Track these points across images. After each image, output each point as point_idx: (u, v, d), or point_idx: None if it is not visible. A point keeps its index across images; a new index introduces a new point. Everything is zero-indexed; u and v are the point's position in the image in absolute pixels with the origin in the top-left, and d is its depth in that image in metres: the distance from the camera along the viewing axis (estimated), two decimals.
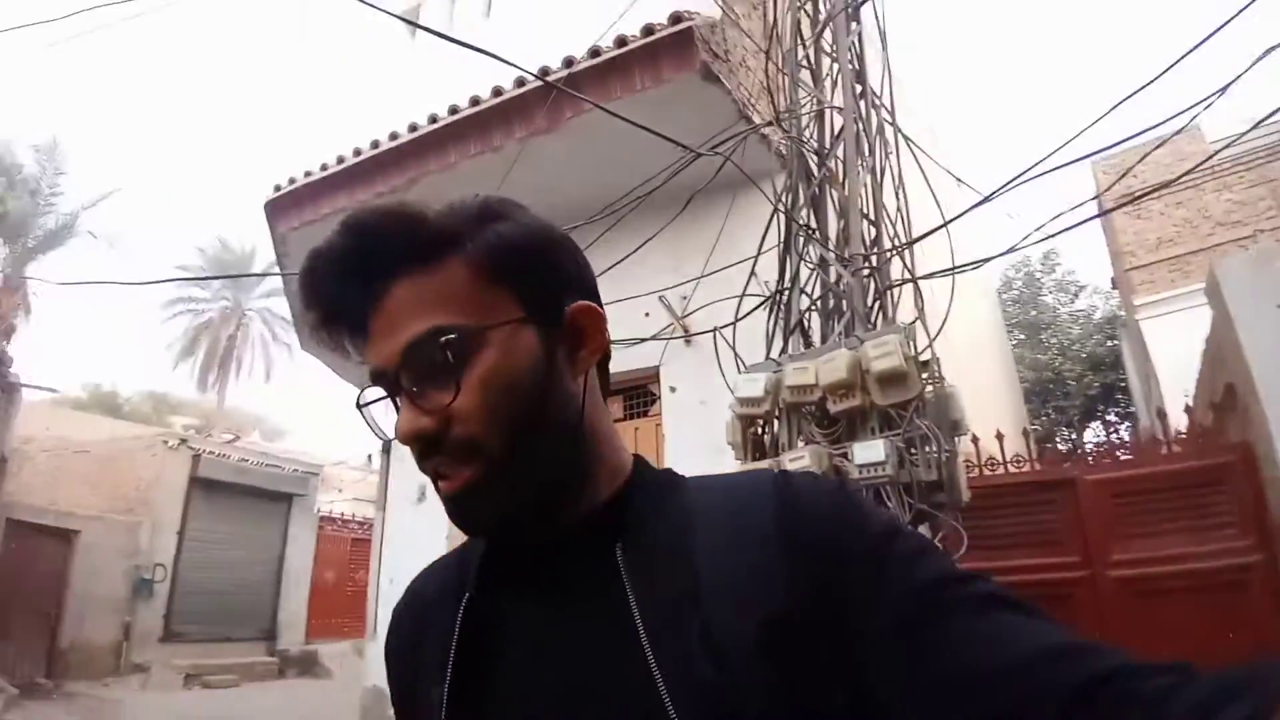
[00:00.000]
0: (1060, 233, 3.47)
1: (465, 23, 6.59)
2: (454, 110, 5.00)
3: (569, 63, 4.85)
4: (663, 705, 0.52)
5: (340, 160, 5.49)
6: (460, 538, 0.71)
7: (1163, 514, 3.32)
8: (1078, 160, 3.37)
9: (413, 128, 5.18)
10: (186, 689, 11.30)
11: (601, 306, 0.68)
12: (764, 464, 2.65)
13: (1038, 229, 3.64)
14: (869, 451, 2.46)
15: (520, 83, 4.85)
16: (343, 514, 16.33)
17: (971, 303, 6.46)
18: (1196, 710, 0.40)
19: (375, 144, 5.31)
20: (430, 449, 0.59)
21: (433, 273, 0.61)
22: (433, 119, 5.09)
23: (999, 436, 3.87)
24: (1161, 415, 3.88)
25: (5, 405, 8.36)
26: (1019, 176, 3.34)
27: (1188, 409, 3.85)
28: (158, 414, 24.45)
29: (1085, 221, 3.74)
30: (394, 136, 5.25)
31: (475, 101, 4.92)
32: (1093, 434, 14.50)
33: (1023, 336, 16.15)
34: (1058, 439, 13.47)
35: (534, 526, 0.64)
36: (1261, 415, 3.02)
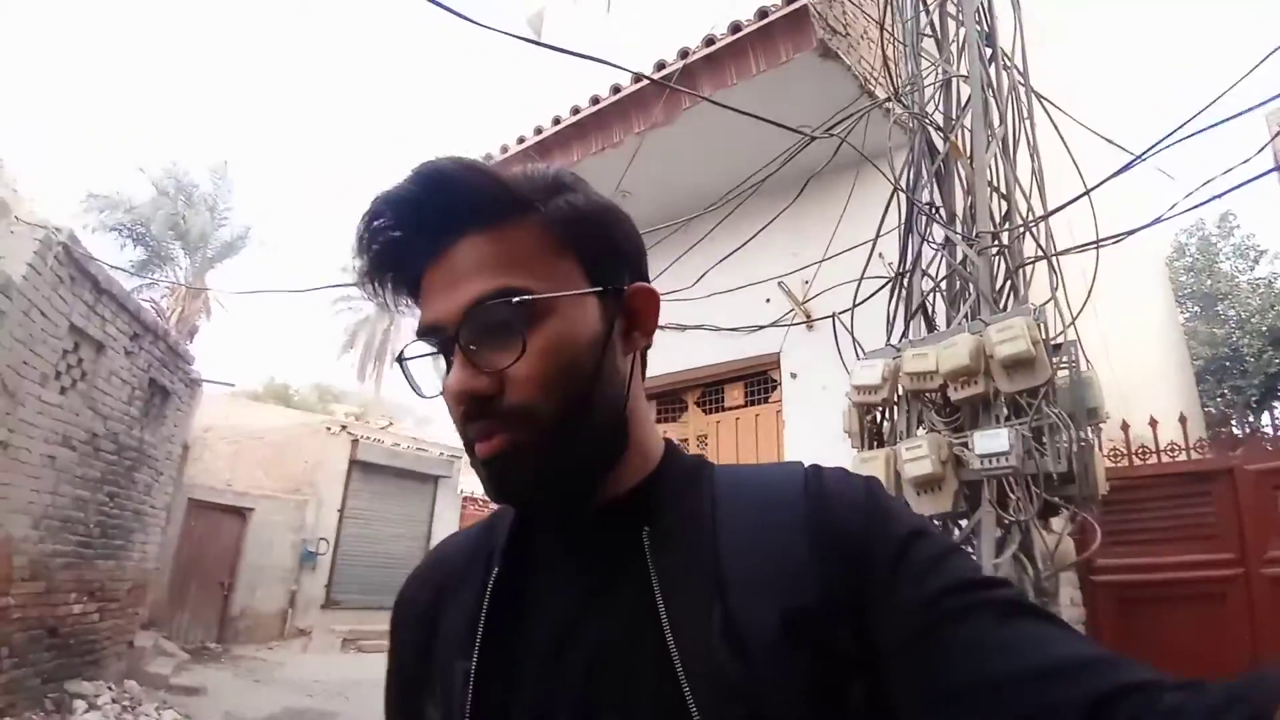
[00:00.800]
0: (1223, 194, 3.12)
1: (588, 19, 6.74)
2: (575, 111, 5.13)
3: (684, 54, 4.86)
4: (681, 694, 0.53)
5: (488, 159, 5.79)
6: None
7: None
8: (1246, 111, 3.03)
9: (538, 130, 5.36)
10: (343, 652, 12.46)
11: (656, 291, 0.68)
12: (881, 453, 2.58)
13: (1198, 189, 3.30)
14: (991, 440, 2.34)
15: (637, 79, 4.91)
16: (483, 495, 17.21)
17: (1134, 275, 5.93)
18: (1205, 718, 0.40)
19: (504, 149, 5.55)
20: (479, 410, 0.59)
21: (503, 233, 0.61)
22: (556, 120, 5.25)
23: (1153, 423, 3.54)
24: None
25: (188, 399, 9.37)
26: (1176, 131, 3.04)
27: None
28: (322, 403, 26.66)
29: (1255, 179, 3.34)
30: (520, 140, 5.46)
31: (595, 100, 5.03)
32: (1271, 417, 13.12)
33: (1197, 309, 14.58)
34: (1233, 423, 12.02)
35: (568, 501, 0.64)
36: None
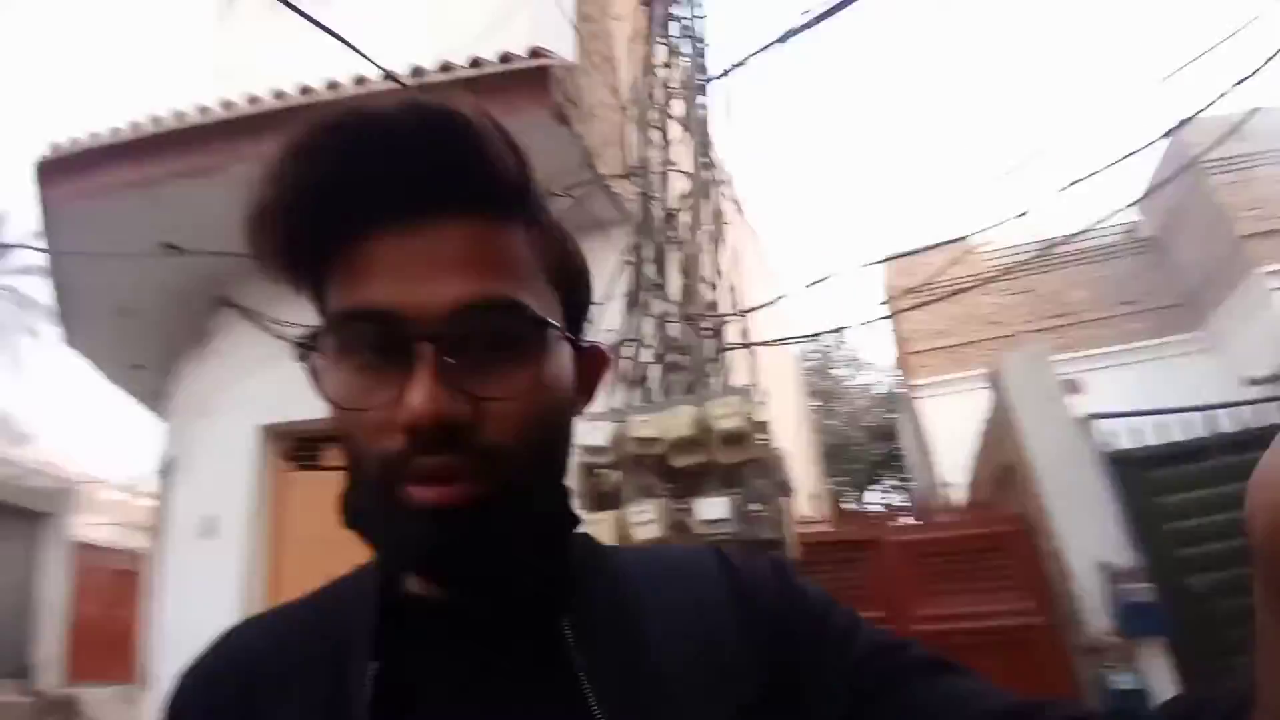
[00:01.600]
0: (867, 323, 3.83)
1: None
2: (279, 95, 4.59)
3: (418, 71, 4.65)
4: None
5: (135, 126, 4.83)
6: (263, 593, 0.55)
7: (958, 575, 3.66)
8: (879, 262, 3.78)
9: (227, 105, 4.68)
10: None
11: (610, 355, 0.60)
12: (609, 515, 2.64)
13: (829, 331, 4.02)
14: (713, 508, 2.53)
15: (360, 81, 4.56)
16: (102, 541, 13.91)
17: (783, 368, 6.91)
18: None
19: (180, 115, 4.73)
20: (442, 443, 0.43)
21: (504, 229, 0.48)
22: (253, 100, 4.63)
23: (811, 497, 4.13)
24: (943, 485, 4.37)
25: None
26: (835, 272, 3.69)
27: (972, 483, 4.38)
28: None
29: (887, 317, 4.20)
30: (204, 110, 4.71)
31: (305, 90, 4.56)
32: (874, 496, 16.85)
33: (819, 403, 17.96)
34: (847, 500, 15.30)
35: (510, 579, 0.50)
36: (1036, 491, 3.49)
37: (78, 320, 6.02)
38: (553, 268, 0.51)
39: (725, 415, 2.70)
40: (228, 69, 5.38)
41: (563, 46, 5.06)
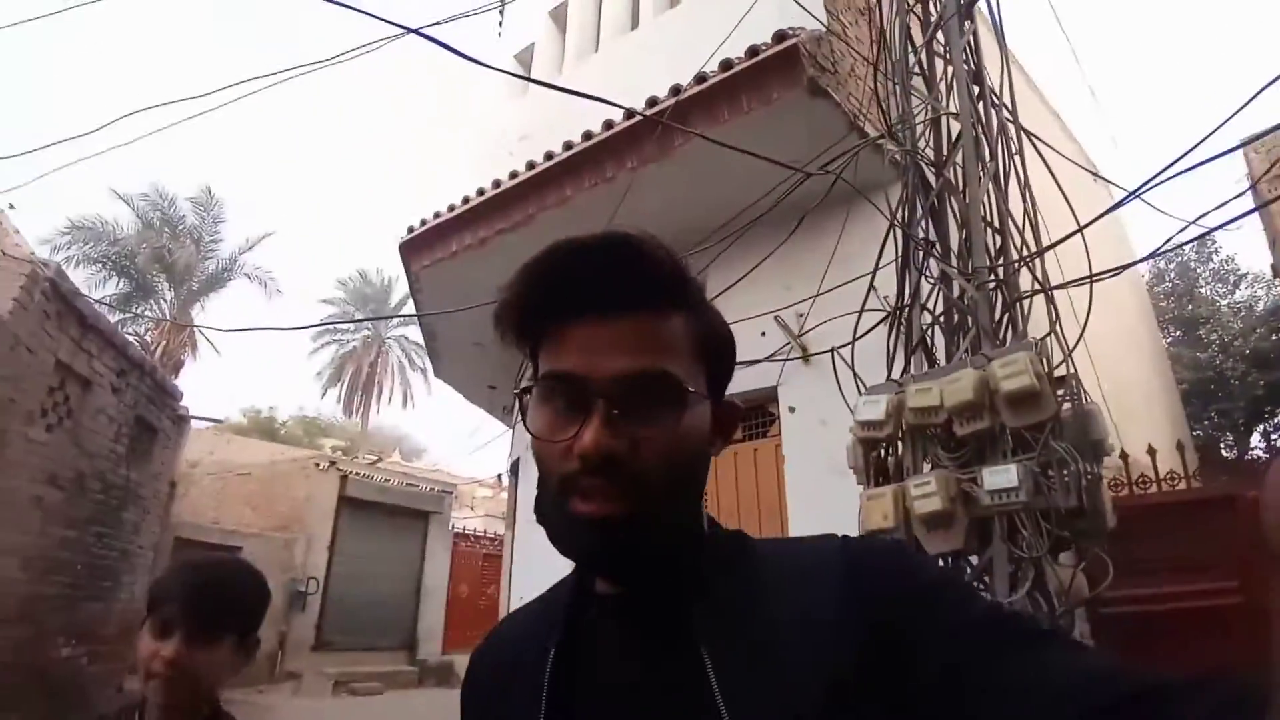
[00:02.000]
0: (1215, 230, 3.20)
1: (574, 59, 6.83)
2: (568, 146, 5.18)
3: (676, 91, 4.93)
4: None
5: (465, 201, 5.81)
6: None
7: None
8: (1230, 151, 3.11)
9: (530, 166, 5.40)
10: (335, 696, 12.16)
11: (740, 408, 0.77)
12: (888, 489, 2.59)
13: (1186, 225, 3.38)
14: (1000, 476, 2.35)
15: (629, 115, 4.97)
16: (475, 530, 17.07)
17: (1118, 303, 6.03)
18: None
19: (497, 184, 5.58)
20: (600, 469, 0.61)
21: (662, 318, 0.66)
22: (549, 156, 5.29)
23: (1151, 452, 3.58)
24: None
25: (175, 435, 9.28)
26: (1165, 170, 3.10)
27: None
28: (309, 437, 26.36)
29: (1243, 216, 3.44)
30: (514, 175, 5.50)
31: (588, 136, 5.08)
32: (1260, 439, 13.32)
33: (1180, 334, 14.78)
34: (1221, 446, 12.11)
35: (649, 575, 0.67)
36: None
37: (444, 356, 7.54)
38: (700, 344, 0.69)
39: (1011, 374, 2.48)
40: (527, 134, 6.17)
41: (816, 14, 4.99)
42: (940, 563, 2.59)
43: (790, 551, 0.70)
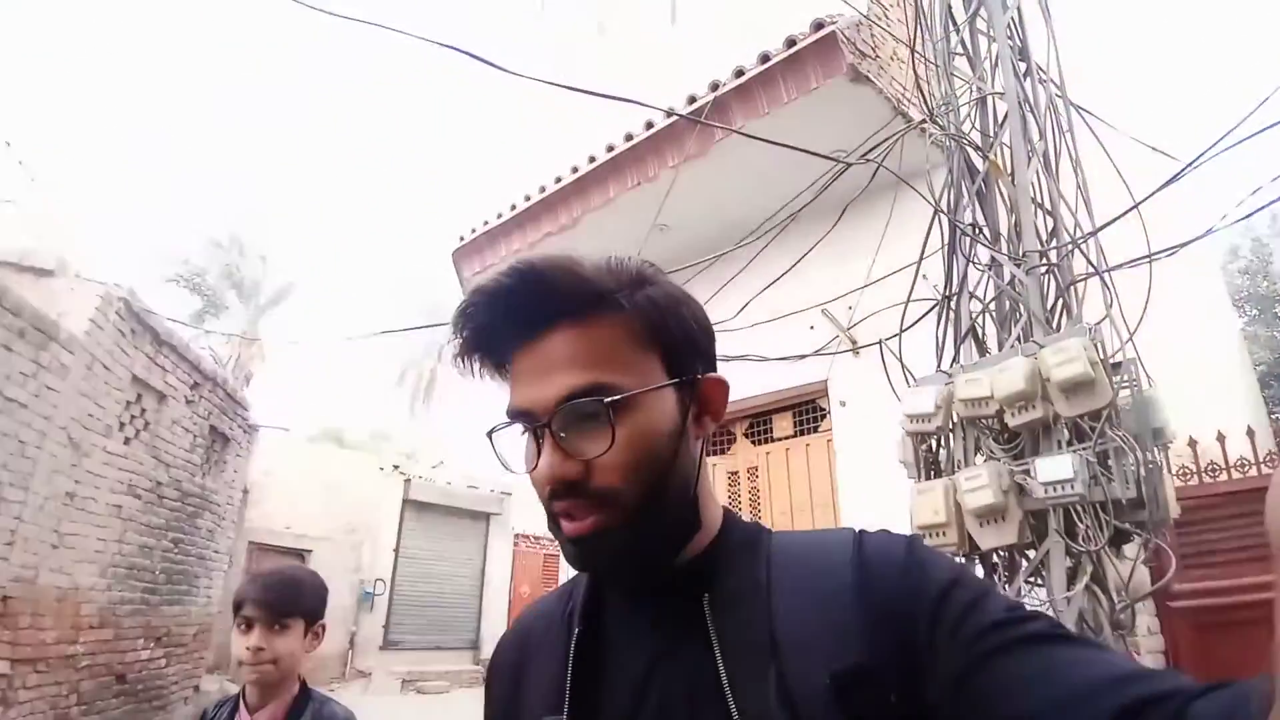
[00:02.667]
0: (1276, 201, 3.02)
1: (614, 56, 6.84)
2: (610, 149, 5.21)
3: (714, 86, 4.90)
4: None
5: (513, 208, 5.89)
6: None
7: None
8: None
9: (574, 169, 5.44)
10: (403, 694, 12.48)
11: (725, 380, 0.73)
12: (938, 483, 2.53)
13: (1251, 195, 3.21)
14: (1055, 467, 2.28)
15: (669, 114, 4.97)
16: (534, 532, 17.26)
17: (1185, 283, 5.75)
18: None
19: (542, 189, 5.64)
20: (565, 492, 0.64)
21: (590, 326, 0.66)
22: (591, 159, 5.32)
23: (1220, 438, 3.40)
24: None
25: (247, 444, 9.62)
26: (1225, 136, 2.95)
27: None
28: (374, 443, 27.03)
29: None
30: (558, 180, 5.55)
31: (629, 137, 5.10)
32: None
33: (1256, 312, 14.01)
34: None
35: (645, 574, 0.69)
36: None
37: None
38: (646, 336, 0.67)
39: (1064, 361, 2.39)
40: (575, 135, 6.22)
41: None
42: (992, 557, 2.52)
43: (804, 545, 0.70)
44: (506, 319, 0.66)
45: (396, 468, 14.79)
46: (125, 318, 6.48)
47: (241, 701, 1.70)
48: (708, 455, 5.24)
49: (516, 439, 0.70)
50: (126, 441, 6.79)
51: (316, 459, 14.82)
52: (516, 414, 0.67)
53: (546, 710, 0.68)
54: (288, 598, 1.73)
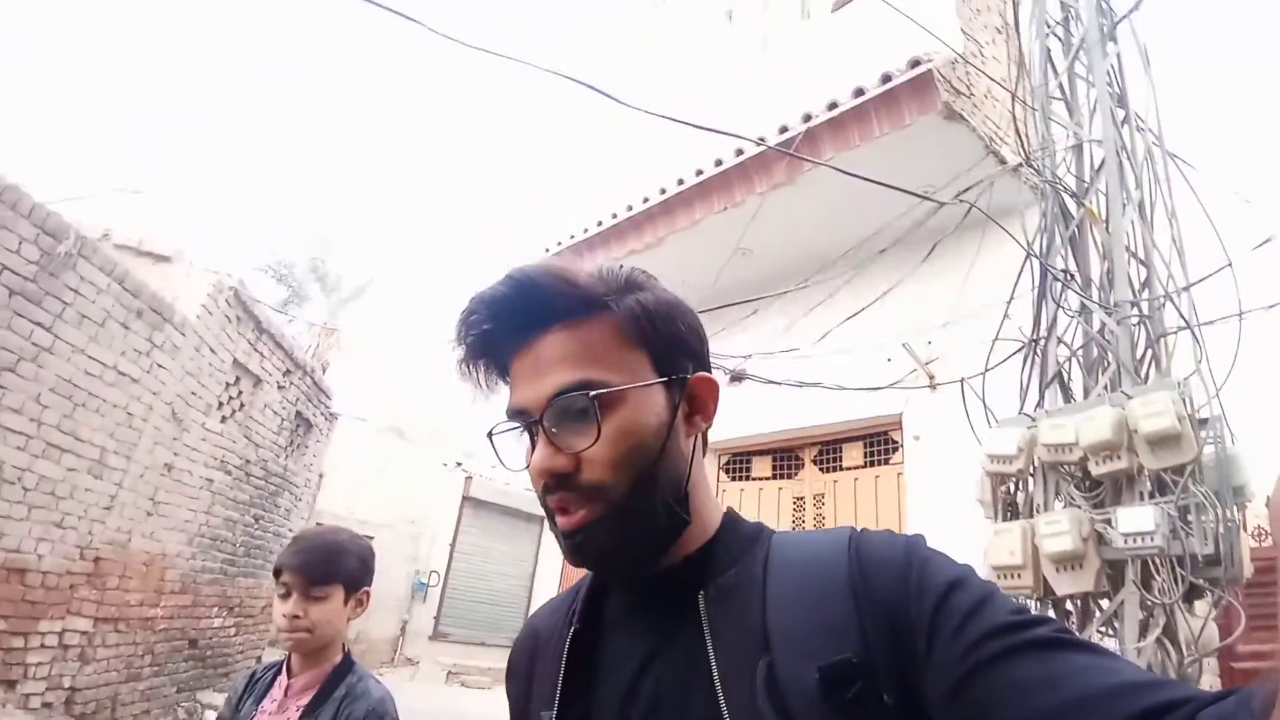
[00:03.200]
0: None
1: (704, 83, 7.00)
2: (699, 173, 5.36)
3: (807, 118, 5.01)
4: None
5: (599, 224, 6.09)
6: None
7: None
8: None
9: (662, 191, 5.61)
10: (448, 684, 12.72)
11: (715, 378, 0.77)
12: (1016, 525, 2.58)
13: None
14: (1136, 519, 2.32)
15: (760, 144, 5.09)
16: None
17: (1275, 339, 5.60)
18: None
19: (629, 208, 5.83)
20: (557, 485, 0.67)
21: (581, 328, 0.69)
22: (680, 182, 5.49)
23: None
24: None
25: (326, 430, 10.04)
26: None
27: None
28: (434, 438, 27.57)
29: None
30: (645, 200, 5.73)
31: (718, 163, 5.24)
32: None
33: None
34: None
35: (636, 566, 0.71)
36: None
37: None
38: (635, 336, 0.70)
39: (1152, 414, 2.44)
40: (664, 156, 6.40)
41: (952, 36, 4.96)
42: (1066, 603, 2.57)
43: (802, 543, 0.70)
44: (504, 323, 0.70)
45: (459, 464, 15.15)
46: (233, 304, 6.91)
47: (285, 666, 1.70)
48: (774, 479, 5.35)
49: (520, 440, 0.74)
50: (223, 420, 7.21)
51: (382, 449, 15.30)
52: (514, 413, 0.70)
53: (544, 707, 0.71)
54: (326, 565, 1.69)
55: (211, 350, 6.71)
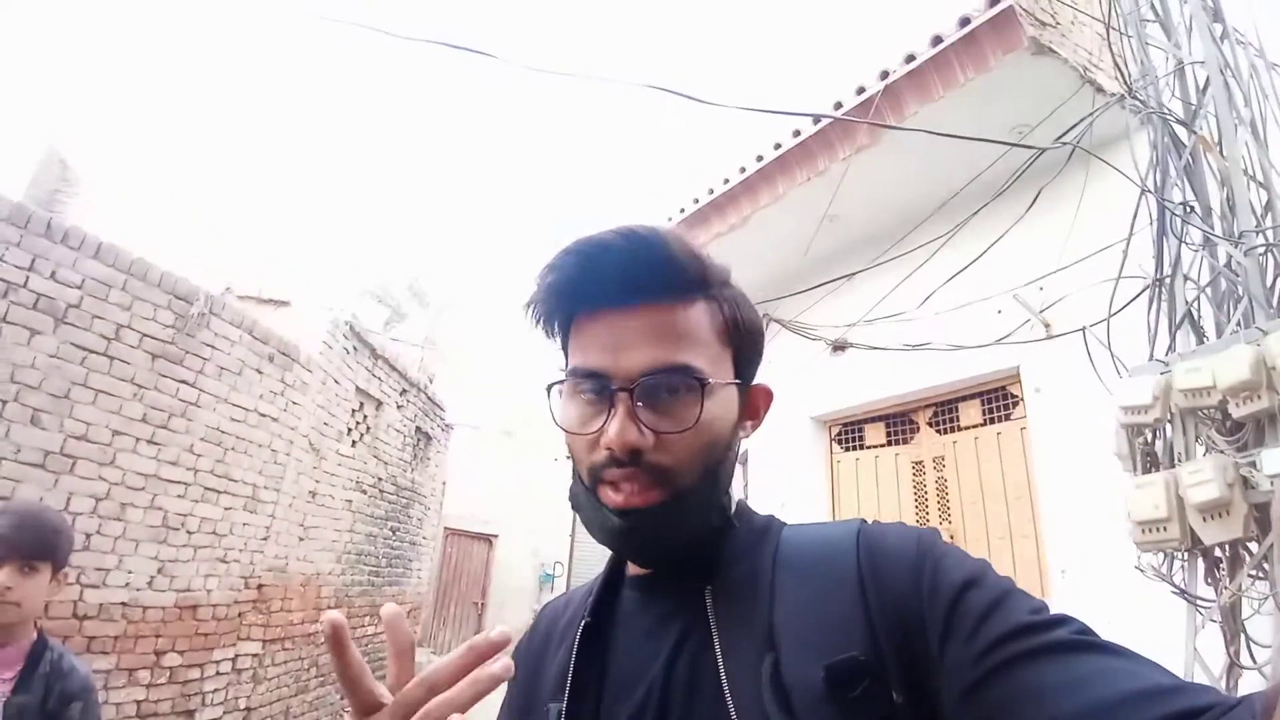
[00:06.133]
0: None
1: (775, 54, 6.92)
2: (778, 146, 5.32)
3: (884, 75, 4.89)
4: None
5: (682, 210, 6.14)
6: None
7: None
8: None
9: (742, 169, 5.61)
10: None
11: (771, 391, 0.78)
12: (1158, 477, 2.51)
13: None
14: None
15: (837, 106, 5.00)
16: None
17: None
18: None
19: (710, 191, 5.85)
20: (627, 461, 0.64)
21: (681, 308, 0.67)
22: (759, 158, 5.46)
23: None
24: None
25: (445, 440, 10.51)
26: None
27: None
28: (542, 436, 28.29)
29: None
30: (726, 181, 5.73)
31: (796, 134, 5.19)
32: None
33: None
34: None
35: (678, 559, 0.70)
36: None
37: None
38: (725, 330, 0.70)
39: None
40: (746, 134, 6.38)
41: None
42: (1214, 551, 2.49)
43: (811, 537, 0.70)
44: (604, 277, 0.66)
45: (568, 456, 15.60)
46: (349, 337, 7.36)
47: None
48: (889, 445, 5.29)
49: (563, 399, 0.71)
50: (354, 444, 7.70)
51: (497, 452, 15.88)
52: (589, 374, 0.67)
53: (551, 698, 0.71)
54: (42, 540, 1.65)
55: (336, 382, 7.16)
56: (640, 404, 0.65)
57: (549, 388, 0.72)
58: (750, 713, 0.57)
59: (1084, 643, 0.52)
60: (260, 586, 6.02)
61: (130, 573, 4.62)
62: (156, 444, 4.86)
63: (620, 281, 0.66)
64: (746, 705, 0.58)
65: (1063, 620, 0.54)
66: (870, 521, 0.69)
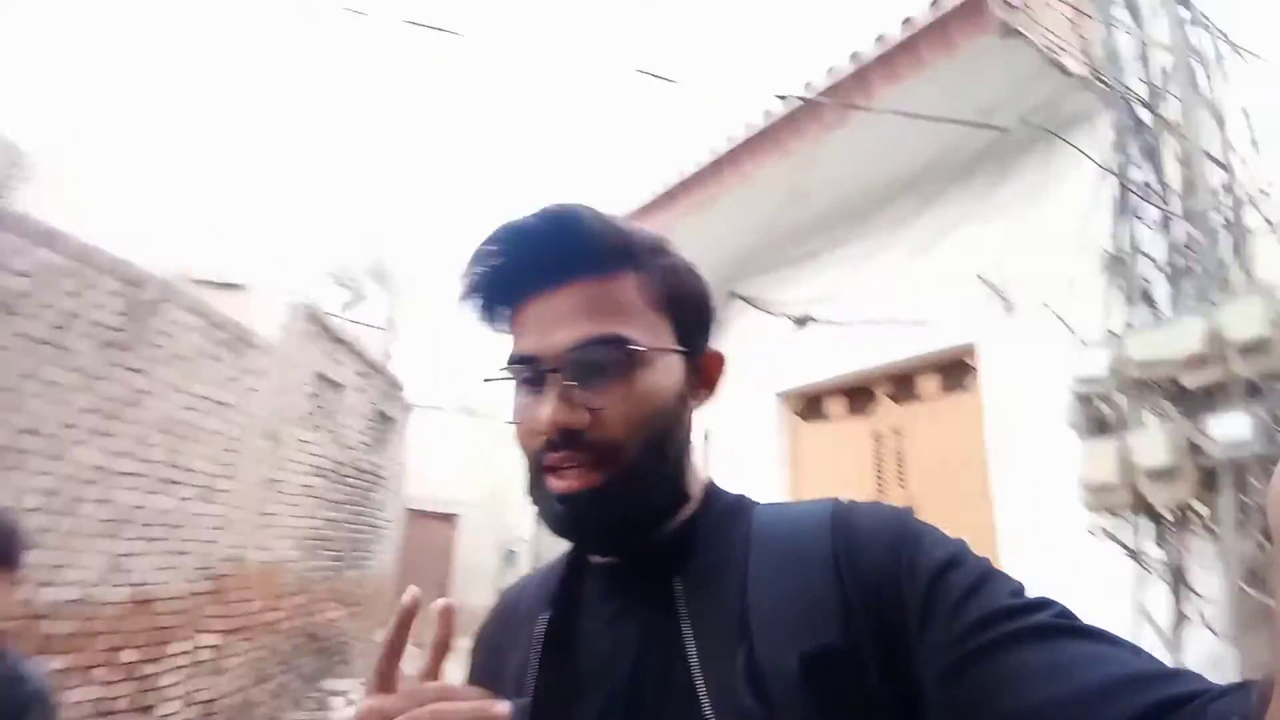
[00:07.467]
0: None
1: (741, 36, 6.90)
2: (750, 128, 5.30)
3: (853, 56, 4.89)
4: None
5: (654, 192, 6.10)
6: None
7: None
8: None
9: (713, 152, 5.58)
10: None
11: (723, 356, 0.75)
12: (1106, 444, 2.57)
13: None
14: (1230, 426, 2.28)
15: (808, 87, 4.99)
16: None
17: None
18: None
19: (680, 174, 5.81)
20: (565, 442, 0.62)
21: (608, 281, 0.65)
22: (729, 139, 5.44)
23: None
24: None
25: (404, 421, 10.40)
26: None
27: None
28: (502, 412, 28.13)
29: None
30: (697, 164, 5.70)
31: (768, 115, 5.18)
32: None
33: None
34: None
35: (628, 542, 0.67)
36: None
37: None
38: (661, 300, 0.68)
39: (1243, 321, 2.39)
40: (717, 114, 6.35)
41: None
42: (1163, 513, 2.54)
43: (784, 517, 0.67)
44: (527, 260, 0.65)
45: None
46: (308, 321, 7.22)
47: None
48: (850, 416, 5.33)
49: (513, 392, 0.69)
50: (314, 429, 7.56)
51: (458, 431, 15.75)
52: (521, 360, 0.65)
53: (513, 692, 0.66)
54: (3, 545, 1.56)
55: (294, 366, 7.01)
56: (575, 383, 0.62)
57: (486, 382, 0.71)
58: (725, 704, 0.55)
59: (1066, 627, 0.51)
60: (218, 577, 5.87)
61: (83, 569, 4.47)
62: (108, 435, 4.69)
63: (542, 264, 0.64)
64: (721, 697, 0.56)
65: (1044, 603, 0.53)
66: (845, 500, 0.66)
